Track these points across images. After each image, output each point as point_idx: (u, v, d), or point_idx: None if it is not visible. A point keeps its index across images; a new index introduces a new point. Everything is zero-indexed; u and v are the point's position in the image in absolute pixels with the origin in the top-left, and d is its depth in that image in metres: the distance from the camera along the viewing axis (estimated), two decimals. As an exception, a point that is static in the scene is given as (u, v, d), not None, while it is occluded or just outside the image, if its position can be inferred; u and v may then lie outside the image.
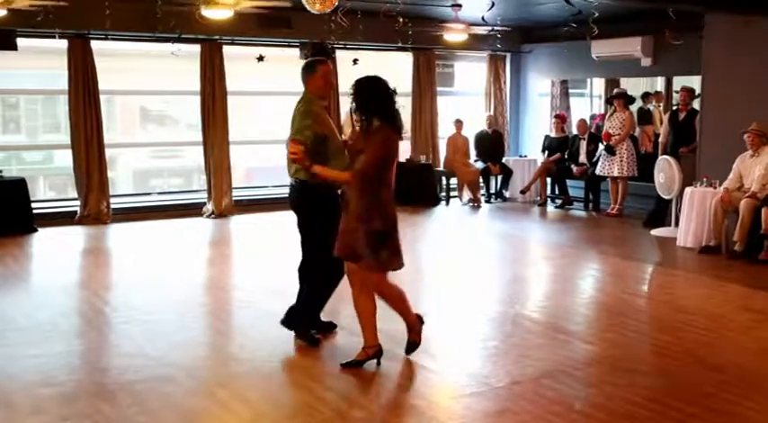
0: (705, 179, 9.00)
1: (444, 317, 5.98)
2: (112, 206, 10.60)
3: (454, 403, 4.53)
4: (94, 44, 10.20)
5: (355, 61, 11.51)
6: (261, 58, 11.02)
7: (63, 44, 10.06)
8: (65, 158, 10.90)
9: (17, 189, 9.71)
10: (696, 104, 10.03)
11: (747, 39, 8.89)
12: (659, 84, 12.42)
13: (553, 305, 6.75)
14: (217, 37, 10.78)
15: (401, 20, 9.38)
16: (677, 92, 10.75)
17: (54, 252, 8.85)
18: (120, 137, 12.66)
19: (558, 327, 5.92)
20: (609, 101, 11.74)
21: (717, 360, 5.14)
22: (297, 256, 8.55)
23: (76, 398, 4.44)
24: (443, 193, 12.70)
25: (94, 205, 10.38)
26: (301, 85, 5.28)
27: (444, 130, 12.95)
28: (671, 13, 8.91)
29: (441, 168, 12.76)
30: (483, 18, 10.06)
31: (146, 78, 12.07)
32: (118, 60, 11.52)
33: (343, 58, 11.63)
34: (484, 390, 4.69)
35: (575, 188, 12.24)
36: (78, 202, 10.42)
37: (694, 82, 10.25)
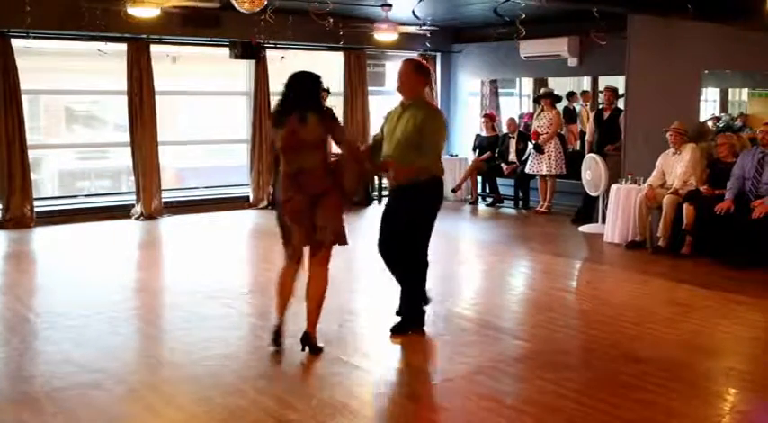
0: (630, 176, 9.23)
1: (376, 315, 5.99)
2: (36, 209, 10.28)
3: (387, 402, 4.55)
4: (15, 42, 9.88)
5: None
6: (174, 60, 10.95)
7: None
8: (-15, 161, 10.53)
9: (-66, 193, 9.36)
10: (621, 104, 10.29)
11: (668, 40, 9.16)
12: (585, 83, 12.70)
13: (484, 302, 6.84)
14: (144, 36, 10.57)
15: (331, 20, 9.37)
16: (602, 92, 11.02)
17: (-26, 257, 8.56)
18: (44, 138, 12.32)
19: (490, 323, 6.00)
20: (536, 100, 11.94)
21: (642, 352, 5.27)
22: (226, 258, 8.45)
23: (-2, 407, 4.31)
24: (375, 193, 12.72)
25: (17, 209, 10.04)
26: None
27: (376, 129, 12.94)
28: (595, 13, 9.12)
29: (372, 168, 12.75)
30: (413, 12, 10.09)
31: (71, 78, 11.76)
32: (41, 59, 11.20)
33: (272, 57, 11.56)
34: (417, 387, 4.72)
35: (505, 186, 12.42)
36: None
37: (619, 82, 10.50)
